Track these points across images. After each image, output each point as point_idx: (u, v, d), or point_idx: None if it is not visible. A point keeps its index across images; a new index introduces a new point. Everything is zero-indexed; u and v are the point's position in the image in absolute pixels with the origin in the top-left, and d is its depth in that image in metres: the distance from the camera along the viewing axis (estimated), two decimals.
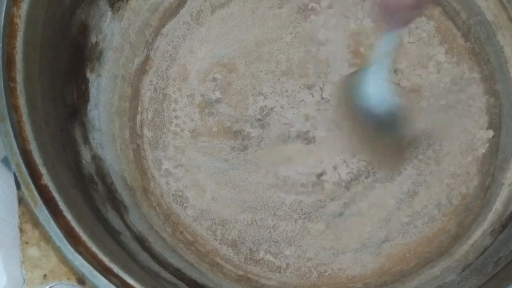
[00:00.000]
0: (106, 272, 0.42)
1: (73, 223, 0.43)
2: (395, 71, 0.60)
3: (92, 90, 0.57)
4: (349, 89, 0.45)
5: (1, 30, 0.44)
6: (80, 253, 0.42)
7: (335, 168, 0.59)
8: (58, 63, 0.51)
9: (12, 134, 0.43)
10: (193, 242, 0.59)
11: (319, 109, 0.59)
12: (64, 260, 0.42)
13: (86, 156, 0.54)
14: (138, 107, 0.61)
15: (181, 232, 0.59)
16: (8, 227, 0.50)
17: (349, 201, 0.59)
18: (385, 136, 0.44)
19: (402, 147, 0.45)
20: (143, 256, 0.51)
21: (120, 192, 0.56)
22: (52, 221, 0.42)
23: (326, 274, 0.58)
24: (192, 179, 0.60)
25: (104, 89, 0.59)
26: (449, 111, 0.60)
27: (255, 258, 0.58)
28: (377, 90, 0.42)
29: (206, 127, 0.61)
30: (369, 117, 0.43)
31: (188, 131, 0.61)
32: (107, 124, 0.58)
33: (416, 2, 0.37)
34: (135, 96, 0.61)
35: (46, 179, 0.43)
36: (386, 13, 0.38)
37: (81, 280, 0.42)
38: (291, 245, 0.58)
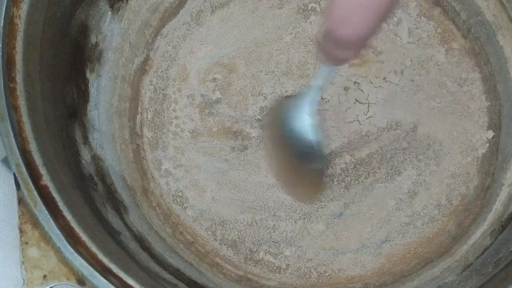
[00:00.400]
0: (105, 272, 0.42)
1: (73, 223, 0.43)
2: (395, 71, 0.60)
3: (92, 90, 0.57)
4: (279, 113, 0.45)
5: (1, 30, 0.44)
6: (80, 254, 0.42)
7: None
8: (58, 64, 0.51)
9: (12, 134, 0.43)
10: (193, 242, 0.59)
11: (319, 109, 0.59)
12: (64, 261, 0.42)
13: (86, 156, 0.54)
14: (138, 107, 0.61)
15: (181, 233, 0.59)
16: (8, 227, 0.50)
17: (349, 202, 0.59)
18: (303, 167, 0.45)
19: (318, 182, 0.45)
20: (143, 257, 0.51)
21: (120, 192, 0.56)
22: (52, 222, 0.42)
23: (326, 274, 0.58)
24: (192, 179, 0.60)
25: (104, 89, 0.59)
26: (449, 111, 0.60)
27: (255, 258, 0.58)
28: (300, 122, 0.42)
29: (206, 128, 0.61)
30: (291, 145, 0.44)
31: (188, 131, 0.61)
32: (107, 124, 0.58)
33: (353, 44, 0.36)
34: (135, 97, 0.61)
35: (46, 179, 0.43)
36: (323, 51, 0.38)
37: (81, 280, 0.42)
38: (291, 245, 0.58)
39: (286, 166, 0.45)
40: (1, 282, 0.50)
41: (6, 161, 0.51)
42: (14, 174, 0.43)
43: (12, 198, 0.48)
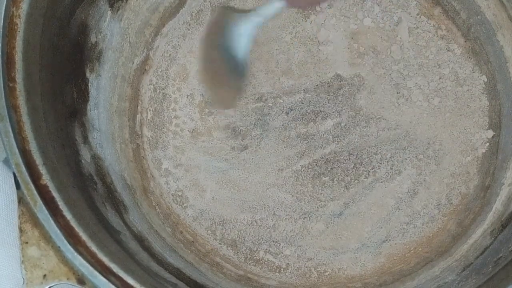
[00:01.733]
0: (105, 271, 0.42)
1: (73, 222, 0.43)
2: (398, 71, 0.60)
3: (92, 90, 0.57)
4: (221, 21, 0.48)
5: (1, 30, 0.44)
6: (80, 253, 0.42)
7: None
8: (57, 63, 0.51)
9: (11, 134, 0.43)
10: (193, 242, 0.59)
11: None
12: (64, 260, 0.42)
13: (85, 155, 0.54)
14: (138, 107, 0.61)
15: (181, 232, 0.59)
16: (9, 228, 0.50)
17: (349, 201, 0.59)
18: (228, 76, 0.47)
19: (236, 90, 0.49)
20: (143, 256, 0.51)
21: (119, 192, 0.56)
22: (51, 221, 0.42)
23: (326, 273, 0.58)
24: (192, 178, 0.60)
25: (103, 89, 0.59)
26: (449, 111, 0.60)
27: (255, 258, 0.58)
28: (239, 37, 0.45)
29: (206, 127, 0.61)
30: (221, 51, 0.47)
31: (188, 130, 0.61)
32: (107, 124, 0.58)
33: None
34: (135, 96, 0.61)
35: (46, 179, 0.43)
36: None
37: (80, 280, 0.42)
38: (291, 245, 0.58)
39: (212, 70, 0.48)
40: (2, 282, 0.50)
41: (7, 162, 0.51)
42: (14, 174, 0.43)
43: (13, 199, 0.48)
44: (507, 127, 0.58)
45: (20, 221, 0.43)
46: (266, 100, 0.61)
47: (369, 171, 0.59)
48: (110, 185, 0.56)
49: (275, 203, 0.59)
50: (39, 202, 0.42)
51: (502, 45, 0.59)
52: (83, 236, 0.43)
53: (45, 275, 0.42)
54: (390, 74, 0.60)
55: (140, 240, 0.54)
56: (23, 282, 0.42)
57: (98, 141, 0.57)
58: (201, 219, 0.59)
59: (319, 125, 0.60)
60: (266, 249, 0.58)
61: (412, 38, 0.61)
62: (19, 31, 0.45)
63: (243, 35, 0.45)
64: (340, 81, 0.61)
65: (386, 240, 0.58)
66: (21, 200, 0.43)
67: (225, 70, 0.47)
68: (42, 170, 0.43)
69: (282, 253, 0.58)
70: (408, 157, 0.59)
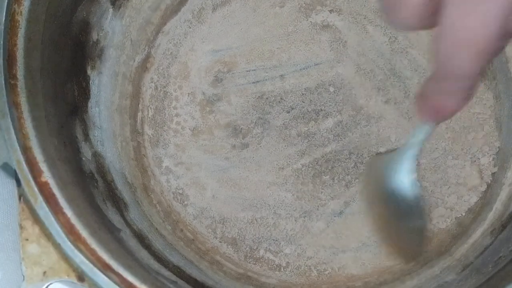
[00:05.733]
0: (106, 269, 0.42)
1: (73, 220, 0.43)
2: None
3: (93, 88, 0.57)
4: (376, 170, 0.44)
5: (2, 27, 0.44)
6: (80, 250, 0.42)
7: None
8: (59, 60, 0.51)
9: (12, 131, 0.43)
10: (193, 240, 0.59)
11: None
12: (64, 257, 0.42)
13: (86, 153, 0.54)
14: (139, 105, 0.61)
15: (181, 230, 0.59)
16: (8, 232, 0.50)
17: (349, 200, 0.59)
18: (402, 224, 0.43)
19: (419, 239, 0.43)
20: (143, 254, 0.51)
21: (120, 190, 0.56)
22: (52, 218, 0.42)
23: (326, 272, 0.58)
24: (193, 177, 0.60)
25: (105, 87, 0.59)
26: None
27: (255, 256, 0.58)
28: (400, 179, 0.40)
29: (207, 125, 0.61)
30: (389, 202, 0.42)
31: (189, 129, 0.61)
32: (108, 122, 0.58)
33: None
34: (136, 94, 0.61)
35: (47, 176, 0.43)
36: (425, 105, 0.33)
37: (81, 277, 0.42)
38: (291, 243, 0.58)
39: (384, 224, 0.44)
40: (2, 285, 0.50)
41: (5, 168, 0.51)
42: (15, 171, 0.43)
43: (12, 204, 0.48)
44: (507, 127, 0.58)
45: (20, 218, 0.43)
46: (267, 98, 0.61)
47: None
48: (110, 183, 0.56)
49: (275, 202, 0.59)
50: (40, 199, 0.42)
51: None
52: (84, 234, 0.43)
53: (45, 272, 0.42)
54: (391, 74, 0.60)
55: (141, 238, 0.54)
56: (23, 279, 0.42)
57: (99, 138, 0.57)
58: (202, 217, 0.59)
59: (319, 124, 0.60)
60: (266, 248, 0.58)
61: (412, 37, 0.61)
62: (20, 28, 0.45)
63: (406, 174, 0.40)
64: (341, 80, 0.60)
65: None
66: (21, 197, 0.43)
67: (401, 221, 0.42)
68: (43, 167, 0.43)
69: (282, 251, 0.58)
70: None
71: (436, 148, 0.59)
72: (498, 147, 0.58)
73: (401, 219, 0.42)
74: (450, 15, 0.27)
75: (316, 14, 0.62)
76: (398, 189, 0.40)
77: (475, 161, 0.58)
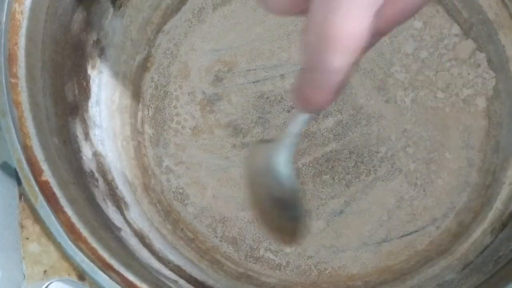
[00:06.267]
0: (106, 268, 0.42)
1: (74, 219, 0.43)
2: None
3: (94, 87, 0.57)
4: (256, 156, 0.44)
5: (3, 26, 0.44)
6: (81, 249, 0.42)
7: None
8: (59, 60, 0.51)
9: (13, 130, 0.43)
10: (194, 239, 0.59)
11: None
12: (65, 256, 0.42)
13: (87, 152, 0.54)
14: (139, 104, 0.62)
15: (182, 229, 0.59)
16: (8, 232, 0.50)
17: (349, 199, 0.59)
18: (279, 212, 0.43)
19: (294, 229, 0.43)
20: (144, 253, 0.51)
21: (120, 189, 0.56)
22: (52, 217, 0.42)
23: (326, 272, 0.58)
24: (193, 176, 0.60)
25: (105, 86, 0.59)
26: (450, 110, 0.60)
27: (255, 255, 0.58)
28: (277, 167, 0.41)
29: (207, 125, 0.61)
30: (267, 189, 0.42)
31: (189, 128, 0.61)
32: (108, 121, 0.58)
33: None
34: (136, 93, 0.61)
35: (47, 175, 0.43)
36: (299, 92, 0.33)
37: (81, 276, 0.42)
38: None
39: (263, 208, 0.44)
40: (2, 284, 0.50)
41: (4, 167, 0.51)
42: (15, 170, 0.43)
43: (12, 203, 0.48)
44: (508, 126, 0.58)
45: (21, 217, 0.43)
46: (267, 98, 0.61)
47: (369, 170, 0.59)
48: (111, 182, 0.56)
49: None
50: (40, 198, 0.42)
51: (504, 44, 0.59)
52: (84, 233, 0.43)
53: (45, 271, 0.42)
54: (390, 73, 0.60)
55: (141, 237, 0.54)
56: (24, 278, 0.42)
57: (99, 138, 0.57)
58: (202, 216, 0.59)
59: (320, 123, 0.60)
60: (266, 247, 0.58)
61: (413, 37, 0.61)
62: (21, 27, 0.45)
63: (283, 164, 0.40)
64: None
65: (387, 238, 0.58)
66: (22, 196, 0.43)
67: (277, 207, 0.41)
68: (44, 166, 0.43)
69: (282, 251, 0.58)
70: (409, 156, 0.59)
71: (435, 141, 0.59)
72: (499, 145, 0.58)
73: (278, 207, 0.41)
74: (317, 10, 0.27)
75: None
76: (276, 177, 0.40)
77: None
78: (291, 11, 0.30)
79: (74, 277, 0.42)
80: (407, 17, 0.29)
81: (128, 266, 0.43)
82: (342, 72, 0.29)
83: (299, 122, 0.37)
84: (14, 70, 0.44)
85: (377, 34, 0.28)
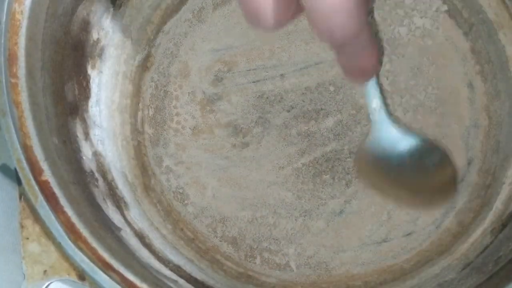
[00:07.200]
0: (106, 268, 0.42)
1: (74, 219, 0.43)
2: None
3: (94, 87, 0.57)
4: (367, 155, 0.42)
5: (3, 26, 0.44)
6: (81, 249, 0.42)
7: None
8: (59, 59, 0.51)
9: (13, 130, 0.43)
10: (194, 239, 0.59)
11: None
12: (65, 256, 0.42)
13: (87, 152, 0.54)
14: (139, 104, 0.62)
15: (182, 229, 0.59)
16: (8, 233, 0.50)
17: (349, 199, 0.59)
18: (423, 169, 0.41)
19: (447, 180, 0.41)
20: (144, 253, 0.51)
21: (120, 189, 0.56)
22: (52, 217, 0.42)
23: (326, 272, 0.58)
24: (193, 176, 0.60)
25: (105, 86, 0.59)
26: (450, 110, 0.60)
27: (255, 255, 0.58)
28: (388, 140, 0.40)
29: (207, 124, 0.61)
30: (396, 168, 0.41)
31: (189, 128, 0.61)
32: (108, 121, 0.59)
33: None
34: (136, 93, 0.61)
35: (47, 175, 0.43)
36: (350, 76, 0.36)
37: (81, 276, 0.42)
38: (291, 242, 0.58)
39: (405, 186, 0.42)
40: (2, 285, 0.50)
41: (3, 169, 0.51)
42: (15, 169, 0.43)
43: (11, 205, 0.48)
44: (508, 126, 0.58)
45: (21, 217, 0.43)
46: (267, 97, 0.61)
47: None
48: (111, 182, 0.56)
49: (275, 201, 0.59)
50: (40, 198, 0.42)
51: (504, 44, 0.59)
52: (84, 232, 0.43)
53: (45, 271, 0.42)
54: (390, 72, 0.60)
55: (141, 237, 0.54)
56: (24, 278, 0.42)
57: (99, 138, 0.57)
58: (202, 216, 0.59)
59: (320, 123, 0.60)
60: (266, 247, 0.58)
61: (412, 36, 0.61)
62: (21, 27, 0.45)
63: (389, 131, 0.39)
64: (342, 79, 0.60)
65: (387, 238, 0.58)
66: (22, 196, 0.43)
67: (417, 167, 0.40)
68: (44, 166, 0.43)
69: (282, 251, 0.58)
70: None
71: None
72: (499, 145, 0.58)
73: (419, 165, 0.40)
74: None
75: None
76: (394, 145, 0.39)
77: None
78: (285, 17, 0.31)
79: (74, 277, 0.42)
80: None
81: (128, 266, 0.43)
82: (363, 28, 0.30)
83: (372, 93, 0.37)
84: (14, 70, 0.44)
85: None
